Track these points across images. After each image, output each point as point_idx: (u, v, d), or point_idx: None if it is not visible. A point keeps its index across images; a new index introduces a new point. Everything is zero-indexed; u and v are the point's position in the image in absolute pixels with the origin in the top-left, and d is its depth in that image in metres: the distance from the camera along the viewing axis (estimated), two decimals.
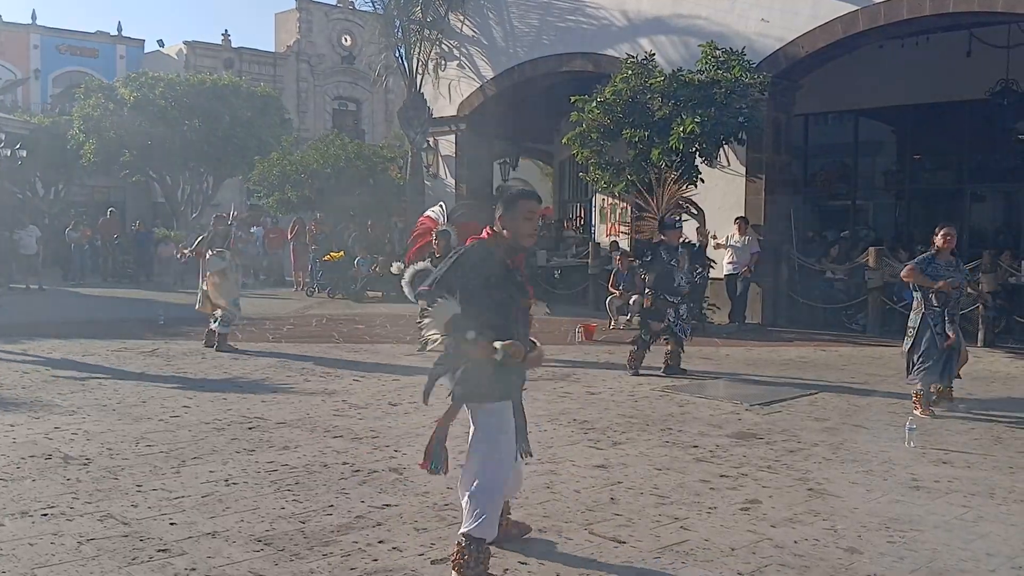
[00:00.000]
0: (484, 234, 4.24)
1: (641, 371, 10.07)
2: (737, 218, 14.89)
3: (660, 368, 10.10)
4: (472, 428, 4.26)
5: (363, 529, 4.79)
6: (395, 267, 11.34)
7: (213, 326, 11.62)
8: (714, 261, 11.09)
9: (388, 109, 37.29)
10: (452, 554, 4.11)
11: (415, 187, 20.17)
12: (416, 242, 11.76)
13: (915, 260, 8.24)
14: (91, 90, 26.30)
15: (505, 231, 4.16)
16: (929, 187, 18.87)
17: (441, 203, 12.97)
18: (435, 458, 4.27)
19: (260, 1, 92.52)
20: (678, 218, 10.79)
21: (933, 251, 8.13)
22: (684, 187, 12.18)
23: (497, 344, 3.96)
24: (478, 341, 3.98)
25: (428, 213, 11.72)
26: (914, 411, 7.91)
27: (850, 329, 14.53)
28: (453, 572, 4.07)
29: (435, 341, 4.24)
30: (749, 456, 6.44)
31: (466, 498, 4.11)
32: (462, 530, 4.08)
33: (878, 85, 16.42)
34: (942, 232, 8.09)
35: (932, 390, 8.09)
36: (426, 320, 4.16)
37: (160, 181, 27.67)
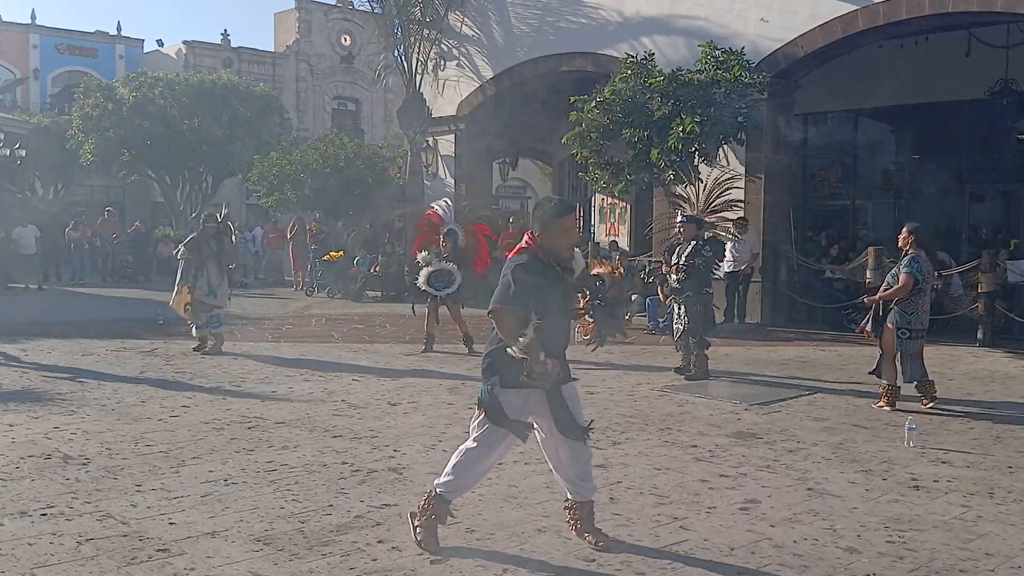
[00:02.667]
0: (526, 240, 4.50)
1: (650, 370, 10.15)
2: (736, 218, 14.88)
3: (673, 367, 10.13)
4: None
5: (362, 529, 4.79)
6: (421, 257, 11.39)
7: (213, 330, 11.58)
8: (716, 263, 10.41)
9: (387, 109, 37.31)
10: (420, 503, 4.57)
11: (414, 187, 20.19)
12: (421, 234, 11.77)
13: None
14: (90, 90, 26.31)
15: (546, 243, 4.44)
16: (928, 187, 18.86)
17: (447, 199, 12.92)
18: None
19: (259, 1, 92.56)
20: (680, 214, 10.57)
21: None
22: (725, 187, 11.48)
23: (548, 363, 4.32)
24: (545, 361, 4.29)
25: (435, 207, 11.73)
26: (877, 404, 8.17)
27: (850, 329, 14.52)
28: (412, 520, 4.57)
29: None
30: (748, 456, 6.43)
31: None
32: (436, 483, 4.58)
33: (877, 85, 16.40)
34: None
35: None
36: (519, 343, 4.29)
37: (159, 181, 27.68)
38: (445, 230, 11.34)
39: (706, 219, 10.37)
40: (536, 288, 4.33)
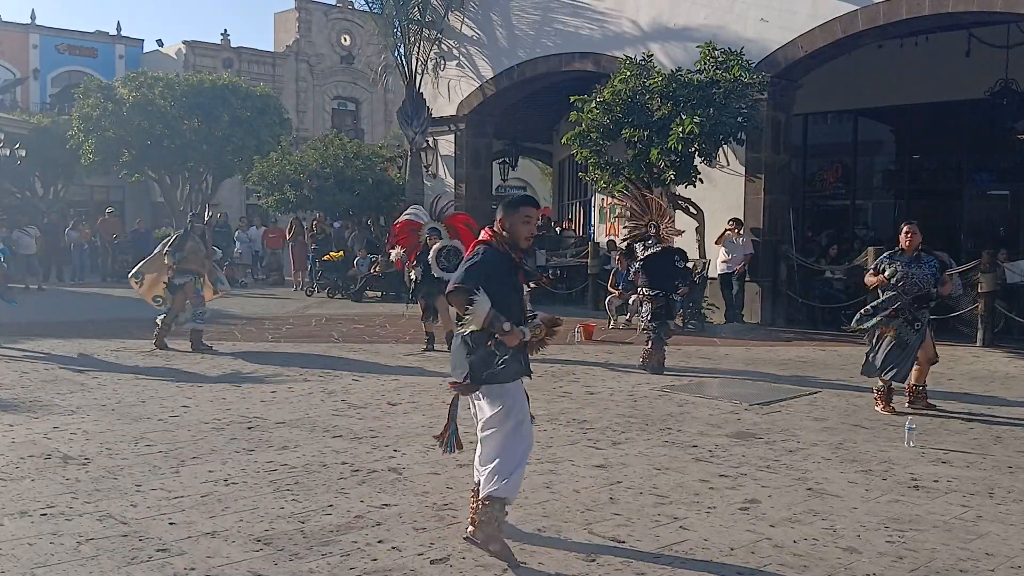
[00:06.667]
0: (485, 235, 4.65)
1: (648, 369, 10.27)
2: (731, 219, 14.93)
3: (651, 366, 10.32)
4: (483, 411, 4.56)
5: (362, 529, 4.79)
6: (393, 254, 11.64)
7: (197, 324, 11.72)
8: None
9: (387, 109, 37.31)
10: (471, 512, 4.57)
11: (414, 187, 20.17)
12: (400, 239, 11.82)
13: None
14: (90, 90, 26.26)
15: (505, 232, 4.59)
16: (928, 187, 18.86)
17: (416, 205, 13.17)
18: (450, 442, 4.82)
19: (259, 1, 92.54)
20: None
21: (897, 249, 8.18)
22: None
23: (524, 328, 4.50)
24: (512, 329, 4.41)
25: (407, 217, 11.84)
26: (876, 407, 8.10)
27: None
28: (471, 527, 4.51)
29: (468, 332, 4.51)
30: (748, 456, 6.44)
31: (491, 466, 4.45)
32: (484, 492, 4.44)
33: (877, 85, 16.42)
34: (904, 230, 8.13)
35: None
36: (466, 318, 4.43)
37: (159, 181, 27.67)
38: (427, 229, 11.44)
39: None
40: (489, 275, 4.46)
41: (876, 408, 8.08)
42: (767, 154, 15.25)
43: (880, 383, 8.08)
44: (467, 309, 4.38)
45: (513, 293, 4.59)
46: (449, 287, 4.53)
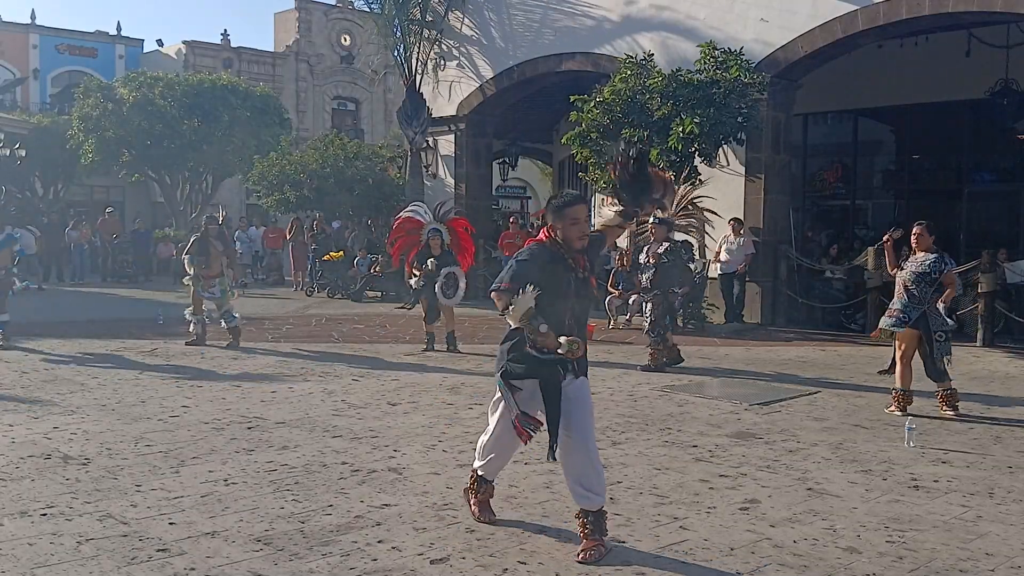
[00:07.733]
0: (542, 234, 4.62)
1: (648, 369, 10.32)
2: (731, 219, 14.93)
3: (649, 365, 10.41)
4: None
5: (362, 529, 4.79)
6: (413, 281, 11.62)
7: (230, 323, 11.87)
8: (688, 265, 11.07)
9: (387, 109, 37.29)
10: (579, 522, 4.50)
11: (414, 187, 20.17)
12: (400, 240, 11.90)
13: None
14: (90, 90, 26.28)
15: (558, 237, 4.52)
16: (928, 187, 18.86)
17: (419, 203, 13.21)
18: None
19: (259, 1, 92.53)
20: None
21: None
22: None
23: (562, 339, 4.35)
24: (548, 333, 4.34)
25: (409, 213, 11.91)
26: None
27: (849, 329, 14.55)
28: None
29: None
30: (748, 456, 6.44)
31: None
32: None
33: (877, 85, 16.42)
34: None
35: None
36: (509, 312, 4.38)
37: (159, 181, 27.69)
38: (429, 230, 11.52)
39: (676, 221, 10.78)
40: (537, 274, 4.38)
41: (891, 411, 7.95)
42: (767, 154, 15.25)
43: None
44: (510, 307, 4.33)
45: (562, 297, 4.47)
46: (493, 286, 4.45)
